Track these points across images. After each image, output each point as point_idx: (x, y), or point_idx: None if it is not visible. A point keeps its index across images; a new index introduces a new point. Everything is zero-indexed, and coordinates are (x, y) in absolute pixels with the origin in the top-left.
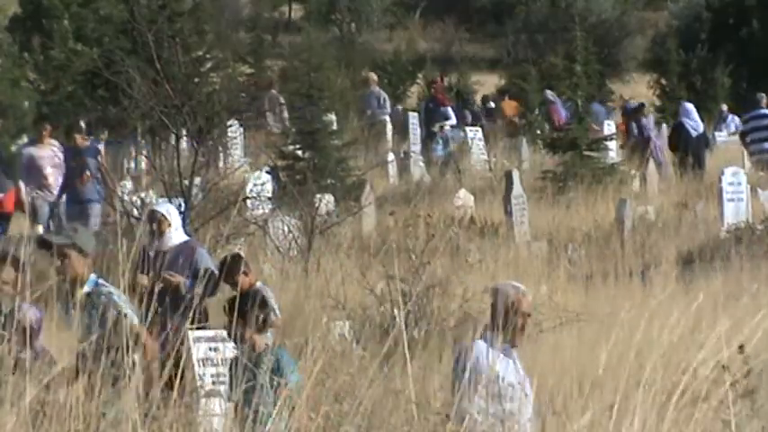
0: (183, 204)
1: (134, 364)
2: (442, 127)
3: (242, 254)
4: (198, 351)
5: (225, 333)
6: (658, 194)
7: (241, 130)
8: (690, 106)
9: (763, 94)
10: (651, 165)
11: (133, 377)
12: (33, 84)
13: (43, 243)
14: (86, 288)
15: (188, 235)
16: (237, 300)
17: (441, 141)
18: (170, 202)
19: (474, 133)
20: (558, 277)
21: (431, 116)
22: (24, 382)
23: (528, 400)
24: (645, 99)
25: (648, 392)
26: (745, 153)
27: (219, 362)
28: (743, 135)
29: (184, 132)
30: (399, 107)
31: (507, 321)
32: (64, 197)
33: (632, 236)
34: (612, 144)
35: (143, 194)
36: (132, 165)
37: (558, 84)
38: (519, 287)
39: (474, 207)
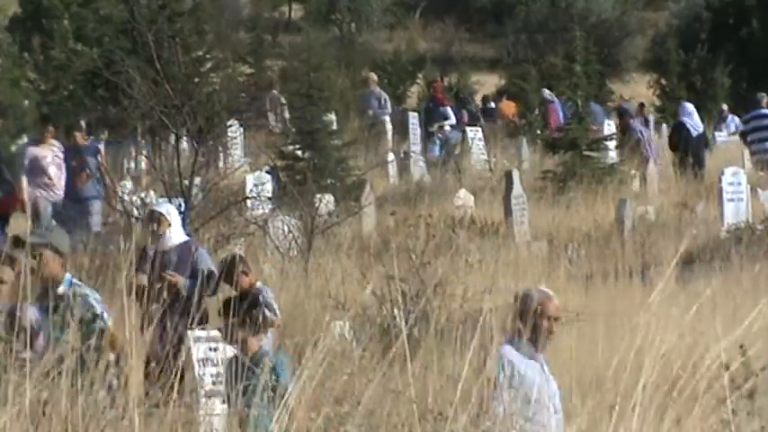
0: (182, 204)
1: (107, 365)
2: (440, 127)
3: (242, 254)
4: (198, 351)
5: (219, 334)
6: (658, 194)
7: (241, 130)
8: (690, 106)
9: (764, 94)
10: (651, 165)
11: (107, 378)
12: (33, 84)
13: (17, 242)
14: (61, 288)
15: (188, 235)
16: (236, 300)
17: (438, 141)
18: (170, 202)
19: (474, 133)
20: (558, 277)
21: (430, 116)
22: (24, 381)
23: (555, 403)
24: (645, 99)
25: (648, 392)
26: (746, 153)
27: (219, 362)
28: (743, 135)
29: (184, 132)
30: (403, 107)
31: (534, 325)
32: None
33: (632, 236)
34: (612, 144)
35: (143, 194)
36: (132, 165)
37: (557, 84)
38: (546, 291)
39: (474, 207)
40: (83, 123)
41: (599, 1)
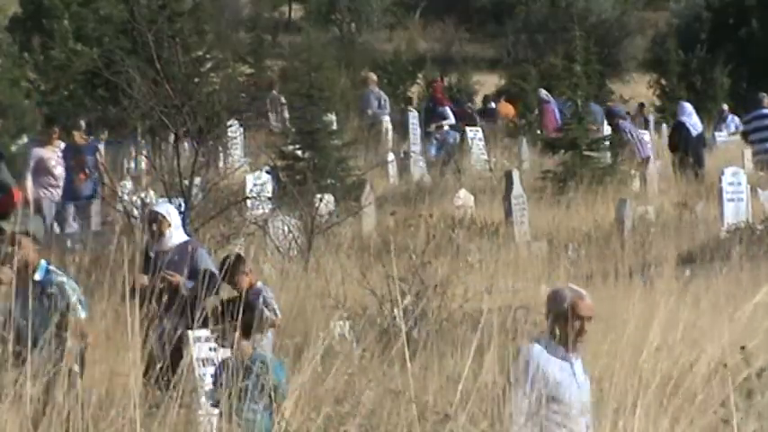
0: (182, 204)
1: (62, 352)
2: (438, 127)
3: (242, 254)
4: (198, 351)
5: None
6: (658, 194)
7: (241, 130)
8: (688, 106)
9: (765, 94)
10: (651, 165)
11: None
12: (33, 84)
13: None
14: (38, 275)
15: (188, 235)
16: (232, 302)
17: (435, 142)
18: (170, 202)
19: (474, 133)
20: (558, 277)
21: (429, 116)
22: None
23: (585, 404)
24: (645, 99)
25: (648, 392)
26: (746, 153)
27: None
28: (745, 135)
29: (184, 132)
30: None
31: (565, 325)
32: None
33: (632, 236)
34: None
35: (143, 194)
36: (132, 165)
37: (557, 84)
38: (577, 290)
39: (474, 207)
40: (82, 123)
41: (599, 1)
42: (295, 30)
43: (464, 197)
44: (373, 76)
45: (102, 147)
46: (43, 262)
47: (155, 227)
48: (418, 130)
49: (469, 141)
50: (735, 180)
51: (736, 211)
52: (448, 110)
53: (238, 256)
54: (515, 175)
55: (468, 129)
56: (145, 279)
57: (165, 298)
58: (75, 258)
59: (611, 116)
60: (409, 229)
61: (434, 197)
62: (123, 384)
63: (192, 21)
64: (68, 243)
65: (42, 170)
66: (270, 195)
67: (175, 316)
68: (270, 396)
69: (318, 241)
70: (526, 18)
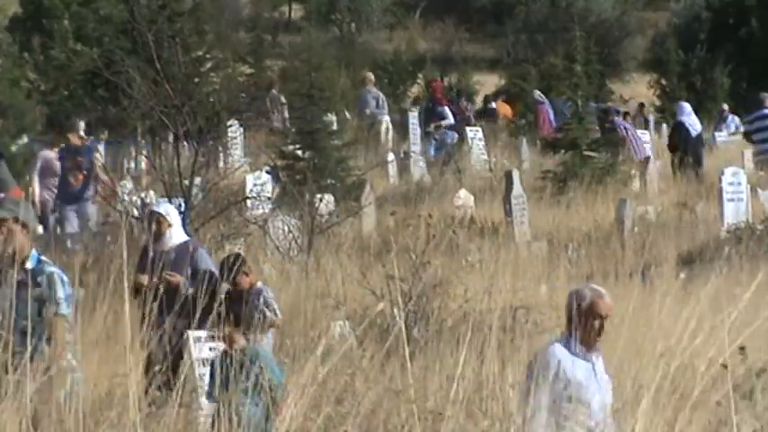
0: (182, 204)
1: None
2: (437, 127)
3: (242, 254)
4: (198, 351)
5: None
6: (658, 194)
7: (241, 130)
8: (687, 106)
9: (767, 94)
10: (651, 165)
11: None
12: (33, 84)
13: None
14: (29, 264)
15: (188, 235)
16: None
17: (434, 142)
18: (170, 202)
19: (474, 133)
20: (557, 277)
21: (428, 116)
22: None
23: (606, 403)
24: (645, 99)
25: (648, 392)
26: (746, 153)
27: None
28: (747, 135)
29: (183, 133)
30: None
31: (584, 324)
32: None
33: (632, 236)
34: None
35: (143, 194)
36: (132, 165)
37: (557, 84)
38: (597, 289)
39: (474, 207)
40: (82, 123)
41: (599, 1)
42: (295, 30)
43: (464, 197)
44: (371, 77)
45: (102, 147)
46: (35, 252)
47: (155, 227)
48: (418, 130)
49: (469, 141)
50: (735, 180)
51: (736, 211)
52: (447, 110)
53: (238, 256)
54: (515, 175)
55: (468, 129)
56: (145, 279)
57: (165, 298)
58: (76, 258)
59: (607, 113)
60: (409, 229)
61: (434, 197)
62: (123, 384)
63: (192, 21)
64: (68, 243)
65: (49, 172)
66: (270, 195)
67: (176, 316)
68: (263, 388)
69: (318, 241)
70: (526, 18)
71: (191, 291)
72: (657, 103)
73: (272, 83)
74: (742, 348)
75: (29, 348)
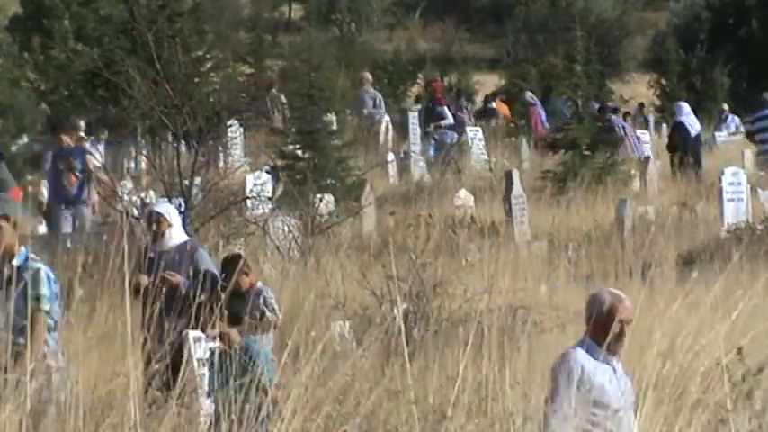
0: (182, 204)
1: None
2: (437, 127)
3: (242, 254)
4: (198, 351)
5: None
6: (658, 194)
7: (241, 130)
8: (686, 106)
9: None
10: (651, 165)
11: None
12: (33, 84)
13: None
14: (16, 261)
15: (188, 235)
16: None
17: (433, 142)
18: (170, 202)
19: (474, 133)
20: (557, 277)
21: (428, 116)
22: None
23: (628, 405)
24: (645, 99)
25: (648, 392)
26: (746, 153)
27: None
28: (750, 135)
29: (184, 132)
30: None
31: (605, 329)
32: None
33: (632, 236)
34: None
35: (143, 194)
36: (132, 165)
37: (558, 84)
38: (616, 293)
39: (474, 207)
40: (82, 123)
41: (599, 1)
42: (295, 30)
43: (464, 197)
44: (368, 76)
45: (102, 147)
46: (23, 250)
47: (155, 227)
48: (418, 130)
49: (469, 141)
50: (735, 180)
51: (736, 211)
52: (446, 110)
53: (238, 256)
54: (515, 175)
55: (468, 129)
56: (145, 279)
57: (164, 298)
58: (76, 258)
59: (603, 110)
60: (409, 229)
61: (434, 197)
62: (123, 384)
63: (192, 21)
64: (68, 243)
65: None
66: (270, 195)
67: (175, 316)
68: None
69: (318, 241)
70: (526, 18)
71: (191, 291)
72: (657, 102)
73: (273, 83)
74: (739, 349)
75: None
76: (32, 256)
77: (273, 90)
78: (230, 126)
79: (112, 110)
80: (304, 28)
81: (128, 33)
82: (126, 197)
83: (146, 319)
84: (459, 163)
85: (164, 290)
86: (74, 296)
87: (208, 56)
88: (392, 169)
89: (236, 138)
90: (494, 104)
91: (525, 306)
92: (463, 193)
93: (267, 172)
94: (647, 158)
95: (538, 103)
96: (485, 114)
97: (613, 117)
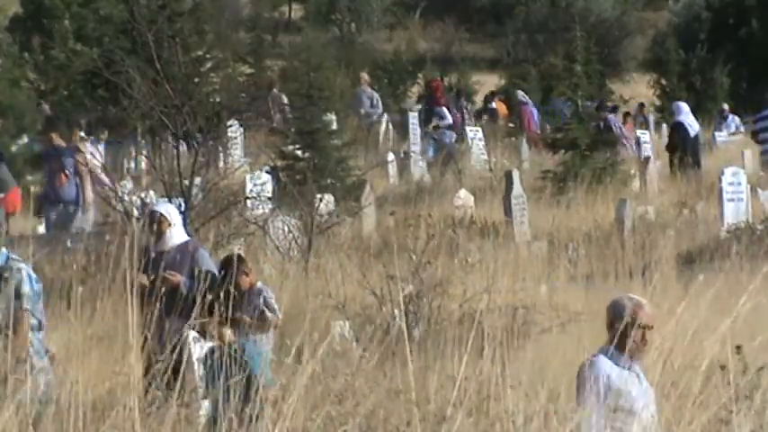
0: (183, 204)
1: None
2: (436, 127)
3: (242, 254)
4: (198, 351)
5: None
6: (658, 194)
7: (241, 130)
8: (685, 106)
9: None
10: (651, 165)
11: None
12: (33, 84)
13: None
14: None
15: (188, 235)
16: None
17: (433, 142)
18: (170, 202)
19: (474, 133)
20: (557, 277)
21: (427, 116)
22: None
23: (652, 412)
24: (645, 99)
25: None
26: (746, 153)
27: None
28: (754, 135)
29: (183, 132)
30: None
31: (626, 335)
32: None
33: (632, 236)
34: None
35: (143, 194)
36: (132, 165)
37: (558, 84)
38: (636, 299)
39: (474, 207)
40: (81, 123)
41: (599, 1)
42: (295, 30)
43: (464, 197)
44: (366, 76)
45: (102, 147)
46: (4, 250)
47: (155, 227)
48: (418, 130)
49: (469, 141)
50: (735, 180)
51: (736, 211)
52: (445, 110)
53: (238, 257)
54: (515, 175)
55: (468, 128)
56: (145, 279)
57: (165, 298)
58: (76, 258)
59: (601, 109)
60: (409, 229)
61: (434, 197)
62: (123, 384)
63: (192, 21)
64: (68, 243)
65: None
66: (270, 195)
67: (176, 316)
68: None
69: (318, 241)
70: (526, 18)
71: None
72: (657, 102)
73: (273, 83)
74: (738, 348)
75: None
76: (14, 256)
77: (275, 90)
78: (230, 126)
79: (112, 110)
80: (304, 28)
81: (128, 33)
82: (126, 197)
83: (146, 319)
84: (460, 163)
85: (164, 290)
86: (74, 296)
87: (208, 56)
88: (392, 169)
89: (236, 138)
90: (494, 104)
91: (525, 306)
92: (463, 193)
93: (267, 172)
94: (647, 158)
95: (530, 102)
96: (485, 114)
97: (610, 116)
